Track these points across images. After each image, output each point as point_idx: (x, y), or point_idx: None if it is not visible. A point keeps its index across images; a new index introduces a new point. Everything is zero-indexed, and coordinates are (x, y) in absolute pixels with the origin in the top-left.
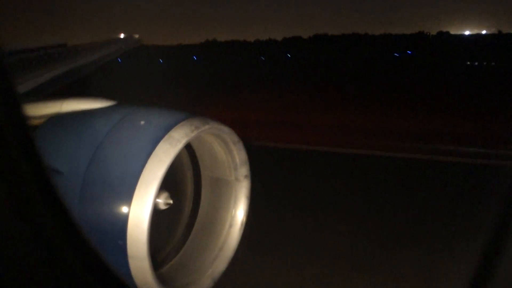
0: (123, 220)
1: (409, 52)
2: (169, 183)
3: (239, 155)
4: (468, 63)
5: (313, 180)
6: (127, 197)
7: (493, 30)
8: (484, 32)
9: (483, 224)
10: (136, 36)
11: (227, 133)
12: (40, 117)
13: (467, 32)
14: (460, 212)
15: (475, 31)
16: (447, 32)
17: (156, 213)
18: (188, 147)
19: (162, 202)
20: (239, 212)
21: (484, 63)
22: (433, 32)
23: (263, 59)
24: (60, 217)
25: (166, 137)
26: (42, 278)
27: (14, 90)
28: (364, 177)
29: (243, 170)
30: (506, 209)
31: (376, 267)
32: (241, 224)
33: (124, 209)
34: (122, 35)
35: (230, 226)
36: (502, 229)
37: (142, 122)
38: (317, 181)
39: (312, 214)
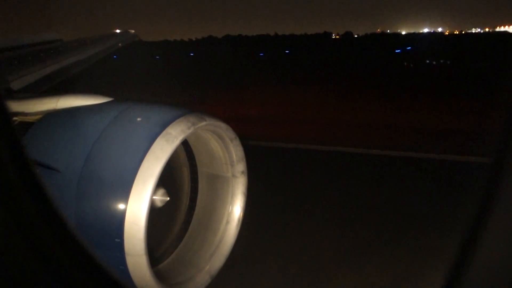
0: (120, 218)
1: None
2: (166, 180)
3: (236, 152)
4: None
5: (308, 178)
6: (124, 194)
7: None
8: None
9: (461, 220)
10: (132, 31)
11: (224, 129)
12: (36, 113)
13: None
14: (439, 207)
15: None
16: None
17: (153, 210)
18: (185, 144)
19: (159, 199)
20: (236, 209)
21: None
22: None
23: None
24: (49, 217)
25: (163, 133)
26: (33, 278)
27: None
28: (359, 175)
29: (240, 167)
30: (483, 204)
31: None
32: (238, 221)
33: (121, 206)
34: (118, 31)
35: (227, 222)
36: (479, 225)
37: (139, 119)
38: (313, 179)
39: (308, 211)
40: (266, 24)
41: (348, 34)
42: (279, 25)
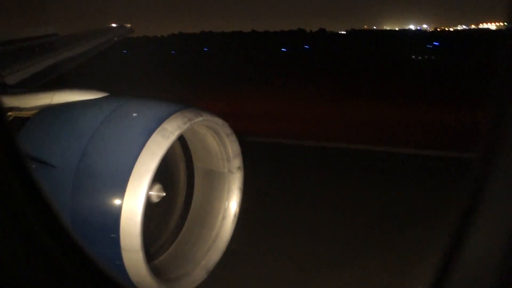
0: (116, 213)
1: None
2: (162, 175)
3: (232, 147)
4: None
5: (304, 174)
6: (120, 190)
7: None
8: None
9: (449, 216)
10: (128, 25)
11: (220, 125)
12: (31, 108)
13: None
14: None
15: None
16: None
17: (149, 205)
18: (181, 139)
19: (155, 194)
20: (232, 204)
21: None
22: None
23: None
24: (44, 213)
25: (159, 129)
26: (28, 274)
27: None
28: (354, 171)
29: (236, 162)
30: (469, 202)
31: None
32: (234, 216)
33: (117, 201)
34: (114, 25)
35: (223, 217)
36: (466, 222)
37: (135, 114)
38: (308, 175)
39: (303, 207)
40: (240, 21)
41: (322, 31)
42: (254, 22)
